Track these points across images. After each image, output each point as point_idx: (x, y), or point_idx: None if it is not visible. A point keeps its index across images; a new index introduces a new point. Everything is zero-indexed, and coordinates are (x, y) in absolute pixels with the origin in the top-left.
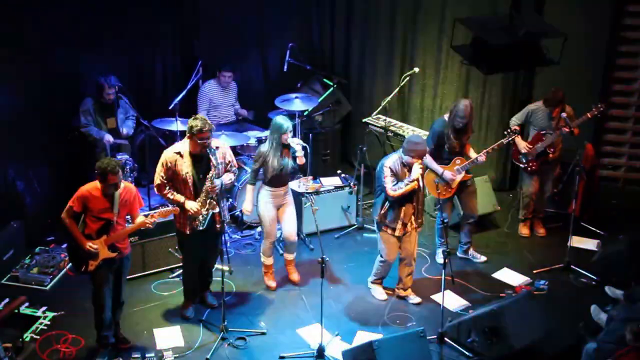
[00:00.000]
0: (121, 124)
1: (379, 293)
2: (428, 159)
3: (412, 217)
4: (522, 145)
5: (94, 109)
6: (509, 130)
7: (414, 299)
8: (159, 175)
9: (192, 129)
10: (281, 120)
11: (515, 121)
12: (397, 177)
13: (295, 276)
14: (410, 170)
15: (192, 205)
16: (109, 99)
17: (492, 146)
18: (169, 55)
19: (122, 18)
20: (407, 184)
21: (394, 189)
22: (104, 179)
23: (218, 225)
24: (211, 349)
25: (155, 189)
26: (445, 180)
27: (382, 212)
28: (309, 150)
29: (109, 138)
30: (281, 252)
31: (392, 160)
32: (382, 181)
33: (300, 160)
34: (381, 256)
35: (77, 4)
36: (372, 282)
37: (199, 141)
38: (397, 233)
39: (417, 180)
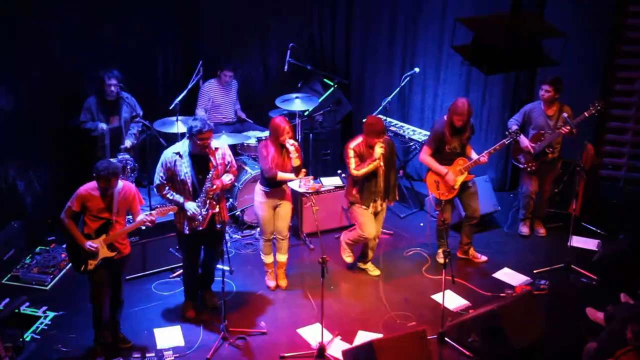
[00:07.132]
0: (125, 124)
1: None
2: (429, 160)
3: (382, 195)
4: (527, 143)
5: (96, 107)
6: (510, 131)
7: (374, 271)
8: (158, 176)
9: (192, 129)
10: (277, 121)
11: (514, 122)
12: (362, 158)
13: (282, 282)
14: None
15: (191, 206)
16: (110, 92)
17: (494, 146)
18: (169, 55)
19: (123, 18)
20: (370, 164)
21: (357, 169)
22: (101, 180)
23: (218, 226)
24: (211, 348)
25: (155, 189)
26: (447, 182)
27: (354, 192)
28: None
29: (102, 126)
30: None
31: (356, 143)
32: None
33: (294, 162)
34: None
35: (78, 3)
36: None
37: (198, 142)
38: (371, 210)
39: (380, 159)
